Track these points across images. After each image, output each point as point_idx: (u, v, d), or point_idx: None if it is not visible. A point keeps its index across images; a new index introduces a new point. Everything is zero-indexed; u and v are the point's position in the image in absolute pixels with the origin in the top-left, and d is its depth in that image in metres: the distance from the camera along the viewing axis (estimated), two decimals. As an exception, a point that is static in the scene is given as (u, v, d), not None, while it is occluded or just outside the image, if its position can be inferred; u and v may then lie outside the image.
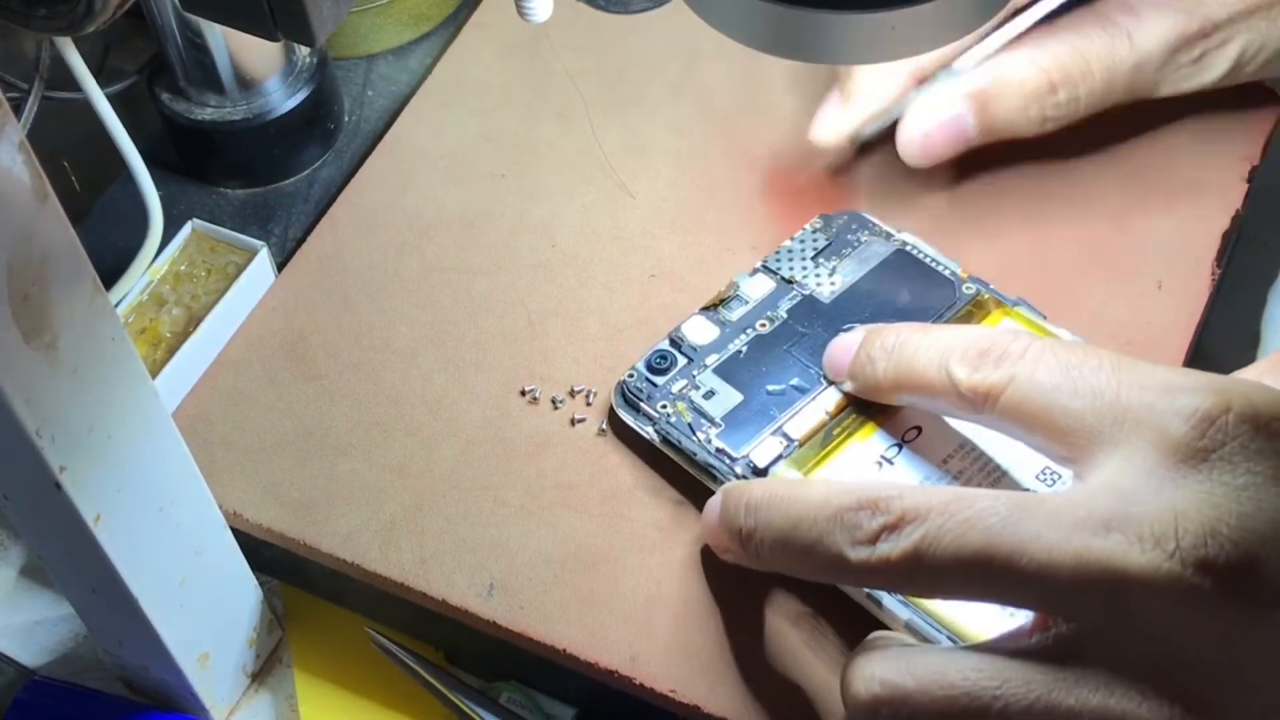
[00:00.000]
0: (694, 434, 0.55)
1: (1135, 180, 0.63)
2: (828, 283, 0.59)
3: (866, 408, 0.55)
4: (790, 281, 0.59)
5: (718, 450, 0.55)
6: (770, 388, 0.56)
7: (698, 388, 0.57)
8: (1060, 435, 0.46)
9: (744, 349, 0.58)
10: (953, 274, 0.59)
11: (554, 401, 0.59)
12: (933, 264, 0.59)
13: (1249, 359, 0.65)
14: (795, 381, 0.56)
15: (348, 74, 0.72)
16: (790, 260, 0.60)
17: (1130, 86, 0.61)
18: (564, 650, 0.53)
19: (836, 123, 0.63)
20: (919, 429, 0.54)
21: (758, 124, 0.66)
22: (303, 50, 0.68)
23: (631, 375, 0.57)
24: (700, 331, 0.58)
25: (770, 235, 0.62)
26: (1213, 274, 0.60)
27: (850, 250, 0.60)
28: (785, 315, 0.58)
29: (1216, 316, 0.63)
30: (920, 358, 0.50)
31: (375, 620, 0.59)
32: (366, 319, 0.62)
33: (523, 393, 0.59)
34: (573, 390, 0.59)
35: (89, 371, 0.44)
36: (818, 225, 0.61)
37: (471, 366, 0.60)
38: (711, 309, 0.59)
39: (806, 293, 0.59)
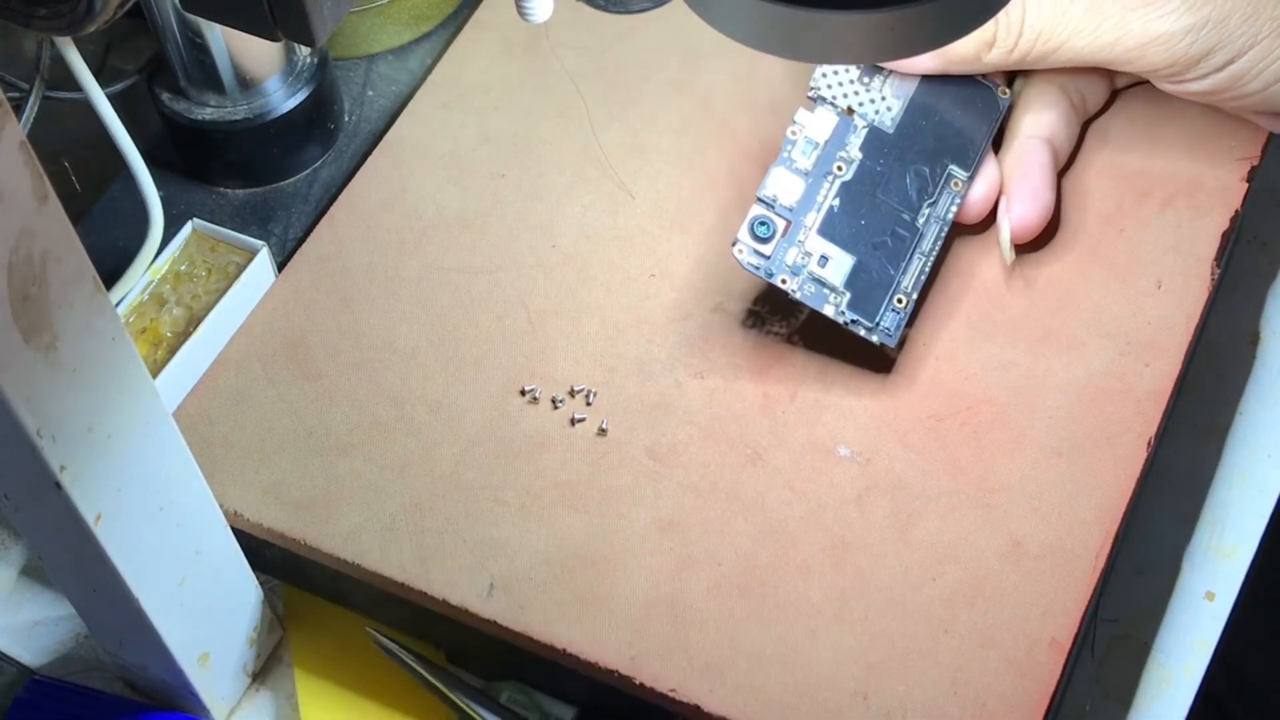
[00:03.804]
0: (824, 306, 0.56)
1: (1135, 180, 0.62)
2: (884, 107, 0.58)
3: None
4: (850, 112, 0.58)
5: (852, 322, 0.56)
6: (874, 241, 0.57)
7: (810, 254, 0.56)
8: None
9: (836, 203, 0.57)
10: (985, 79, 0.59)
11: (554, 401, 0.59)
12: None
13: (1249, 359, 0.65)
14: (893, 229, 0.57)
15: (348, 74, 0.72)
16: (836, 85, 0.58)
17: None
18: (564, 650, 0.53)
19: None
20: None
21: (758, 124, 0.66)
22: (303, 50, 0.68)
23: (740, 251, 0.56)
24: (786, 186, 0.57)
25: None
26: (1213, 274, 0.60)
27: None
28: (860, 154, 0.57)
29: (1216, 316, 0.63)
30: None
31: (376, 620, 0.59)
32: (366, 319, 0.62)
33: (523, 393, 0.59)
34: (573, 390, 0.59)
35: (89, 371, 0.44)
36: None
37: (471, 366, 0.60)
38: (786, 159, 0.57)
39: (868, 123, 0.58)
